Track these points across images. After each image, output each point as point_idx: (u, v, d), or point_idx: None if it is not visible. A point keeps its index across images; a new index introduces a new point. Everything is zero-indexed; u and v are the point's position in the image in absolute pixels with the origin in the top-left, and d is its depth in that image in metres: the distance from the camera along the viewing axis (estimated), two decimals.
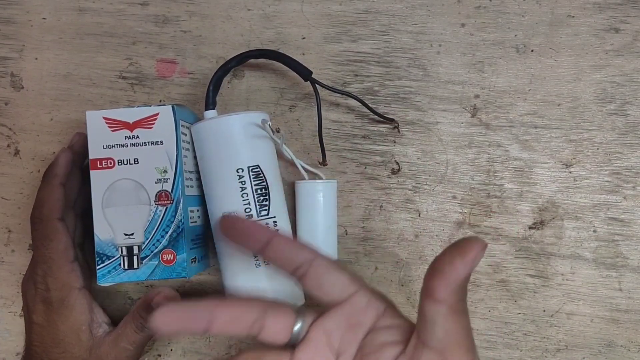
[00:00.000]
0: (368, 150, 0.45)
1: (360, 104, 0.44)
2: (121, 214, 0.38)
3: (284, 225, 0.41)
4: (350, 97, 0.43)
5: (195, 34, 0.46)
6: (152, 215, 0.38)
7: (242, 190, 0.39)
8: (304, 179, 0.42)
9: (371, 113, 0.44)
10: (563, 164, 0.45)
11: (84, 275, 0.41)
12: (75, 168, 0.42)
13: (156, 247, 0.38)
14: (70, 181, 0.41)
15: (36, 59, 0.46)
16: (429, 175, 0.45)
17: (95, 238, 0.38)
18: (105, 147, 0.38)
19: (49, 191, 0.40)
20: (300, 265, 0.32)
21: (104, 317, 0.42)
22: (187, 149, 0.40)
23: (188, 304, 0.31)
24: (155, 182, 0.38)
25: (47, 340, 0.40)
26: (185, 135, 0.40)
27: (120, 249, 0.38)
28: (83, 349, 0.40)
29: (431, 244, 0.45)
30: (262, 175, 0.39)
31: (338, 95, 0.45)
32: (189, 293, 0.46)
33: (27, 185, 0.46)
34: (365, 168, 0.45)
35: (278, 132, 0.45)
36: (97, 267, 0.38)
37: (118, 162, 0.38)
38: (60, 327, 0.39)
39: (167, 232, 0.38)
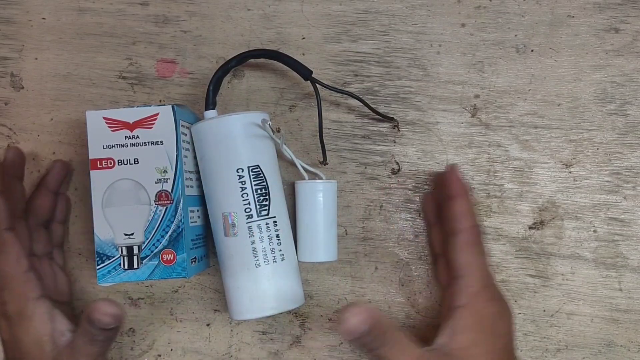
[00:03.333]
0: (368, 150, 0.45)
1: (360, 104, 0.44)
2: (121, 214, 0.38)
3: (284, 226, 0.41)
4: (350, 96, 0.43)
5: (195, 34, 0.46)
6: (152, 215, 0.38)
7: (242, 190, 0.39)
8: (304, 179, 0.42)
9: (371, 113, 0.44)
10: (563, 164, 0.45)
11: (49, 283, 0.41)
12: (14, 179, 0.42)
13: (156, 247, 0.38)
14: (12, 192, 0.41)
15: (36, 59, 0.46)
16: (429, 175, 0.45)
17: (95, 238, 0.38)
18: (105, 147, 0.38)
19: None
20: None
21: (67, 324, 0.40)
22: (187, 149, 0.40)
23: None
24: (155, 182, 0.38)
25: (16, 356, 0.39)
26: (186, 135, 0.40)
27: (120, 249, 0.38)
28: None
29: None
30: (262, 175, 0.39)
31: (338, 95, 0.45)
32: (189, 293, 0.46)
33: (26, 185, 0.46)
34: (365, 168, 0.45)
35: (278, 131, 0.45)
36: (97, 267, 0.38)
37: (118, 162, 0.38)
38: (24, 340, 0.38)
39: (167, 232, 0.38)
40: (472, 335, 0.37)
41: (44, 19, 0.47)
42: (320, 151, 0.44)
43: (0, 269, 0.39)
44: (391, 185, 0.45)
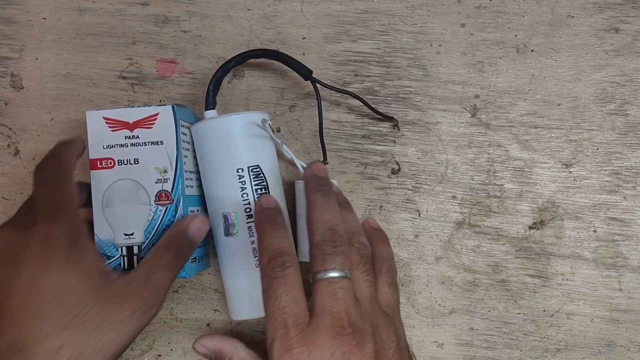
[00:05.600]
0: (368, 150, 0.45)
1: (360, 104, 0.44)
2: (121, 214, 0.38)
3: None
4: (351, 95, 0.43)
5: (195, 34, 0.46)
6: (152, 215, 0.38)
7: (242, 190, 0.39)
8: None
9: (371, 113, 0.44)
10: (563, 164, 0.45)
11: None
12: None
13: None
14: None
15: (36, 59, 0.47)
16: (429, 175, 0.45)
17: (95, 238, 0.38)
18: (105, 147, 0.38)
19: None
20: None
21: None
22: (187, 149, 0.40)
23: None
24: (155, 182, 0.38)
25: (61, 290, 0.31)
26: (186, 135, 0.40)
27: (120, 249, 0.38)
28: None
29: (431, 244, 0.45)
30: (262, 175, 0.39)
31: (338, 95, 0.45)
32: (189, 293, 0.46)
33: (27, 185, 0.46)
34: (365, 168, 0.45)
35: (278, 131, 0.45)
36: None
37: (118, 162, 0.38)
38: (74, 270, 0.32)
39: None
40: None
41: (44, 19, 0.47)
42: (321, 151, 0.44)
43: (55, 196, 0.34)
44: (391, 185, 0.45)
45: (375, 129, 0.45)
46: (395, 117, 0.45)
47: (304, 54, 0.46)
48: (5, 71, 0.47)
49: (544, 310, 0.45)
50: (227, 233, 0.39)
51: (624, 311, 0.44)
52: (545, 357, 0.45)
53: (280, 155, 0.43)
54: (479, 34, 0.45)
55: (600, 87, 0.45)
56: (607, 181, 0.45)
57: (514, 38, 0.45)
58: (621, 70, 0.45)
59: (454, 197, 0.45)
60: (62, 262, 0.32)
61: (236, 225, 0.39)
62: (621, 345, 0.44)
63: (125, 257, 0.38)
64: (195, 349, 0.39)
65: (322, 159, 0.44)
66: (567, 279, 0.45)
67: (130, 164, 0.38)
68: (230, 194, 0.39)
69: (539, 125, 0.45)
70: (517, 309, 0.45)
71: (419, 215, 0.45)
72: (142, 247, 0.38)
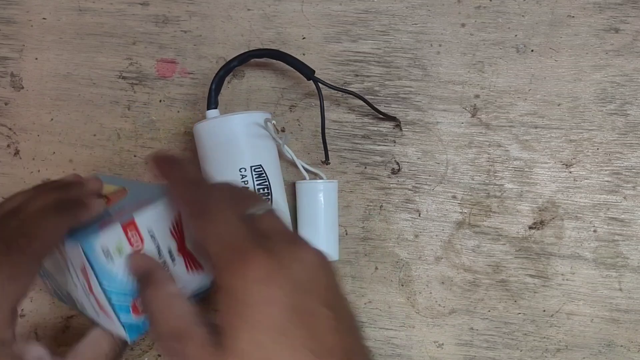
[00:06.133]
0: (368, 150, 0.45)
1: (360, 104, 0.44)
2: None
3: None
4: (353, 95, 0.43)
5: (195, 34, 0.46)
6: None
7: None
8: (304, 179, 0.42)
9: (371, 113, 0.44)
10: (563, 164, 0.45)
11: None
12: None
13: None
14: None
15: (36, 59, 0.46)
16: (429, 175, 0.45)
17: None
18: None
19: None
20: None
21: None
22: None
23: None
24: None
25: None
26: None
27: None
28: None
29: (431, 244, 0.45)
30: (264, 174, 0.39)
31: (338, 95, 0.45)
32: None
33: (27, 185, 0.46)
34: (365, 168, 0.45)
35: (283, 131, 0.45)
36: None
37: None
38: None
39: None
40: None
41: (44, 19, 0.47)
42: (322, 151, 0.44)
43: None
44: (391, 185, 0.45)
45: (375, 129, 0.45)
46: (396, 117, 0.45)
47: (304, 54, 0.46)
48: (5, 71, 0.47)
49: (544, 310, 0.45)
50: None
51: (624, 311, 0.44)
52: (545, 357, 0.45)
53: (281, 155, 0.43)
54: (479, 34, 0.45)
55: (600, 87, 0.45)
56: (607, 181, 0.45)
57: (514, 38, 0.45)
58: (621, 70, 0.45)
59: (454, 197, 0.45)
60: None
61: None
62: (621, 345, 0.44)
63: None
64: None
65: (323, 159, 0.44)
66: (567, 279, 0.45)
67: None
68: None
69: (539, 125, 0.45)
70: (517, 309, 0.45)
71: (419, 215, 0.45)
72: None
